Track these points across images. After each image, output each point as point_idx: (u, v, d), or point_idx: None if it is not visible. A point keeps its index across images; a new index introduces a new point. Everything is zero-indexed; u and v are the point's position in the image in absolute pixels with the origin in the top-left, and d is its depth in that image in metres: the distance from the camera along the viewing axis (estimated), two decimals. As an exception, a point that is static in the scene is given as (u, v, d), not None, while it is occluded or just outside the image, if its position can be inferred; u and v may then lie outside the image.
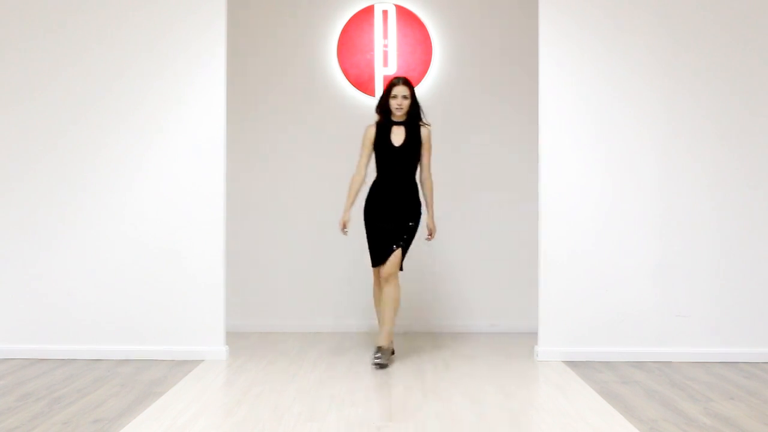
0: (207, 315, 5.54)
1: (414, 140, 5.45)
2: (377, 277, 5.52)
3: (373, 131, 5.48)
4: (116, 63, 5.55)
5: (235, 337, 6.15)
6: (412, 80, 6.53)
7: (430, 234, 5.61)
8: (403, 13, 6.82)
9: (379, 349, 5.36)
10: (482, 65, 6.85)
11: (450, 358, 5.66)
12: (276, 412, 4.18)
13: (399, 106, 5.44)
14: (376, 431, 3.88)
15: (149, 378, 4.95)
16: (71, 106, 5.57)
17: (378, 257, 5.45)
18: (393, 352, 5.57)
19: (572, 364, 5.38)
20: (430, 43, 6.82)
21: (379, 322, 5.55)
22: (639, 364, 5.40)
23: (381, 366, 5.25)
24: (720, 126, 5.58)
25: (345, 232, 5.51)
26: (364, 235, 5.53)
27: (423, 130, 5.49)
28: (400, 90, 5.45)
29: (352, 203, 5.49)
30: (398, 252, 5.37)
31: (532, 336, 5.93)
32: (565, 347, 5.54)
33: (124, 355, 5.49)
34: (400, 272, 5.47)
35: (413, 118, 5.49)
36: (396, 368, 5.29)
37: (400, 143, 5.43)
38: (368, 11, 6.82)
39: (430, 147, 5.49)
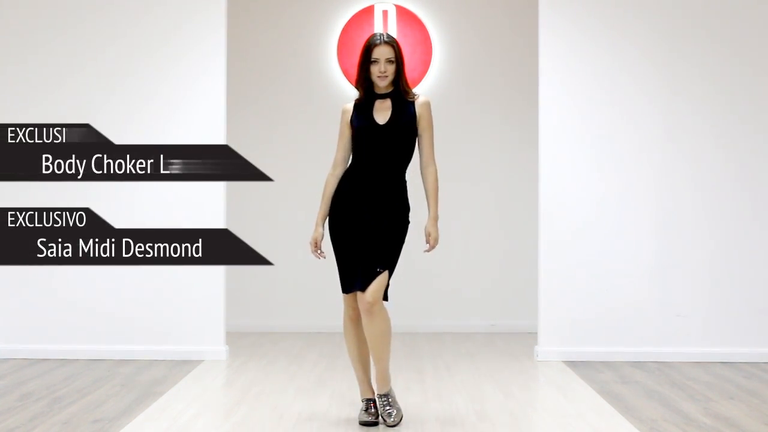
0: (207, 315, 5.54)
1: (404, 117, 3.99)
2: (351, 308, 4.02)
3: (350, 112, 4.06)
4: (119, 67, 5.57)
5: (235, 337, 6.15)
6: (412, 81, 6.37)
7: (429, 242, 4.04)
8: (403, 13, 6.81)
9: (385, 398, 4.02)
10: (482, 65, 6.84)
11: (450, 358, 5.65)
12: (276, 412, 4.18)
13: (382, 73, 3.95)
14: (376, 431, 3.88)
15: (149, 378, 4.95)
16: (76, 111, 5.55)
17: (351, 281, 3.97)
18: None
19: (572, 364, 5.38)
20: (430, 43, 6.82)
21: (355, 366, 4.11)
22: (639, 364, 5.40)
23: (395, 424, 3.95)
24: (715, 128, 5.58)
25: (320, 255, 4.09)
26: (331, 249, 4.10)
27: (420, 102, 4.03)
28: (382, 52, 3.94)
29: (327, 213, 4.10)
30: (384, 275, 3.92)
31: (532, 336, 5.93)
32: (565, 347, 5.54)
33: (124, 355, 5.49)
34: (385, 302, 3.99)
35: (403, 88, 4.02)
36: (396, 369, 5.28)
37: (384, 121, 3.98)
38: (368, 11, 6.82)
39: (431, 125, 4.05)
